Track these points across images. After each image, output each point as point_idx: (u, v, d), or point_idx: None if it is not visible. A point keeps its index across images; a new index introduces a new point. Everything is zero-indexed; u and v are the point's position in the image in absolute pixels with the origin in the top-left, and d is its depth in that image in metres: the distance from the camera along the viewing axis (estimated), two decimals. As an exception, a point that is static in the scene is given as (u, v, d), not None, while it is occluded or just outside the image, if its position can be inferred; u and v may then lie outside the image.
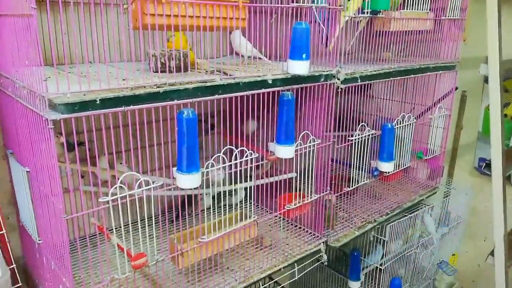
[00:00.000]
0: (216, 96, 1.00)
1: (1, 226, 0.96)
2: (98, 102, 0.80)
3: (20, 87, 0.88)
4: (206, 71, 1.11)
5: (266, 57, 1.27)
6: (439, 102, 1.84)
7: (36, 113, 0.82)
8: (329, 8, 1.20)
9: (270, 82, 1.09)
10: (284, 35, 1.23)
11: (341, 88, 1.30)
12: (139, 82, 0.89)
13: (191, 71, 1.10)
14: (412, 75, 1.59)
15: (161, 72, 1.03)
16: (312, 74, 1.19)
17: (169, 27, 0.91)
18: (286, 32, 1.19)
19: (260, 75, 1.09)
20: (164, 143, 0.95)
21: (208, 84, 0.97)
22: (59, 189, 0.80)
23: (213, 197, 1.10)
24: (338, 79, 1.29)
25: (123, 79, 0.94)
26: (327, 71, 1.24)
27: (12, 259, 1.01)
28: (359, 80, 1.35)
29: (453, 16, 1.65)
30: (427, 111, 1.88)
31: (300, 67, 1.10)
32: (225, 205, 1.42)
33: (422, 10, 1.52)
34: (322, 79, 1.24)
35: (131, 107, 0.85)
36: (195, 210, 1.36)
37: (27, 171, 0.96)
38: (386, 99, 1.86)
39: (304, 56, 1.09)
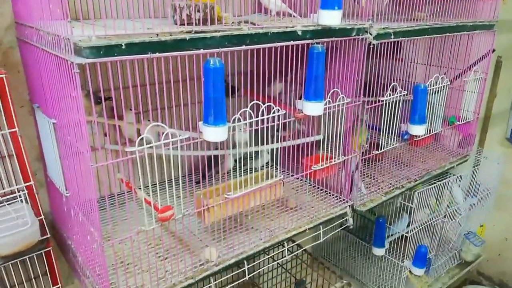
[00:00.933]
0: (244, 47, 0.95)
1: (29, 177, 0.96)
2: (123, 46, 0.77)
3: (45, 33, 0.85)
4: (233, 23, 1.06)
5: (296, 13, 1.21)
6: (474, 65, 1.74)
7: (61, 59, 0.80)
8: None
9: (299, 33, 1.04)
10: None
11: (373, 44, 1.23)
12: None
13: (217, 24, 1.06)
14: (448, 33, 1.49)
15: (186, 24, 1.00)
16: (344, 27, 1.13)
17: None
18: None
19: (290, 25, 1.03)
20: (191, 103, 0.92)
21: (235, 32, 0.93)
22: (86, 137, 0.79)
23: (237, 160, 1.07)
24: (371, 34, 1.22)
25: (148, 28, 0.91)
26: (359, 25, 1.18)
27: (41, 211, 1.01)
28: (392, 36, 1.28)
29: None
30: (461, 75, 1.78)
31: (331, 18, 1.05)
32: (250, 168, 1.40)
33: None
34: (354, 33, 1.18)
35: (157, 54, 0.82)
36: (220, 171, 1.34)
37: (53, 123, 0.95)
38: (417, 63, 1.78)
39: (336, 6, 1.03)
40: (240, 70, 1.44)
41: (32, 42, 0.96)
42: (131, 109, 1.14)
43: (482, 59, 1.75)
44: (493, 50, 1.75)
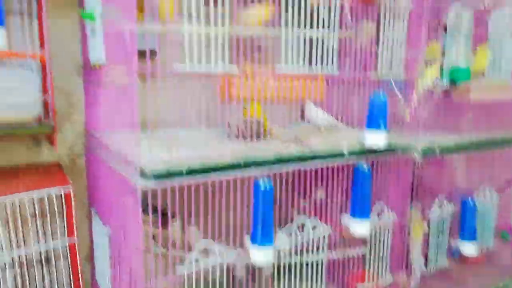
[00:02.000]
0: (292, 167, 1.00)
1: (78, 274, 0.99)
2: (184, 172, 0.83)
3: (113, 150, 0.94)
4: (282, 141, 1.12)
5: (343, 123, 1.27)
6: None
7: (125, 179, 0.87)
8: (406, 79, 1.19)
9: (346, 153, 1.08)
10: (361, 102, 1.23)
11: (419, 161, 1.25)
12: (221, 151, 0.93)
13: (267, 138, 1.13)
14: (497, 148, 1.49)
15: (239, 138, 1.08)
16: (389, 147, 1.16)
17: (252, 99, 0.95)
18: (364, 99, 1.19)
19: (337, 146, 1.08)
20: (233, 210, 0.95)
21: (284, 155, 0.98)
22: (141, 255, 0.82)
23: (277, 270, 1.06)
24: (417, 150, 1.25)
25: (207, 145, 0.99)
26: (404, 144, 1.21)
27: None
28: (438, 153, 1.29)
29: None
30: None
31: (377, 139, 1.08)
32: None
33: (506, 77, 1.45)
34: (400, 151, 1.20)
35: (214, 177, 0.87)
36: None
37: (108, 231, 1.00)
38: (462, 167, 1.74)
39: (381, 127, 1.08)
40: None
41: (99, 153, 1.06)
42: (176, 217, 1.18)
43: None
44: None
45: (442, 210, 1.35)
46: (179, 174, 0.82)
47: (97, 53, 1.01)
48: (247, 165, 0.92)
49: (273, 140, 1.13)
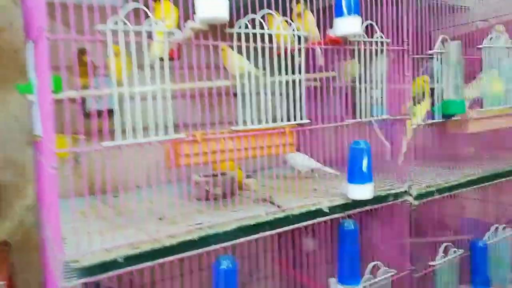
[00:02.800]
0: (261, 234, 0.85)
1: None
2: (122, 261, 0.69)
3: (46, 234, 0.81)
4: (254, 200, 0.98)
5: (328, 166, 1.13)
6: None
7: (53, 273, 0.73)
8: (394, 119, 1.05)
9: (326, 210, 0.93)
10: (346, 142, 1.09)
11: (415, 206, 1.09)
12: (175, 227, 0.78)
13: (238, 195, 1.00)
14: (503, 179, 1.33)
15: (205, 200, 0.94)
16: (378, 195, 1.01)
17: (207, 164, 0.82)
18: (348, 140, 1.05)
19: (315, 202, 0.93)
20: None
21: (252, 222, 0.84)
22: None
23: None
24: (411, 195, 1.09)
25: (160, 218, 0.85)
26: (396, 189, 1.06)
27: None
28: (436, 194, 1.14)
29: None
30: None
31: (362, 192, 0.94)
32: None
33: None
34: (391, 199, 1.05)
35: (162, 260, 0.73)
36: None
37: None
38: (469, 198, 1.59)
39: (365, 178, 0.93)
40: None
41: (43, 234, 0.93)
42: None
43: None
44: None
45: (449, 256, 1.19)
46: (114, 263, 0.68)
47: (38, 124, 0.90)
48: (204, 240, 0.78)
49: (246, 198, 0.99)
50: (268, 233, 0.86)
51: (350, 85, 1.00)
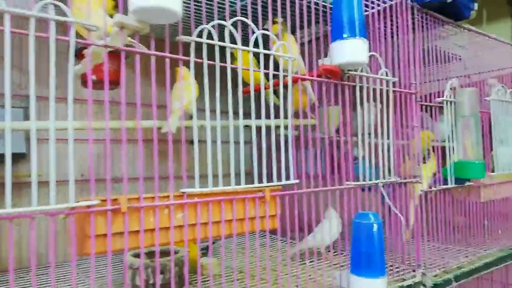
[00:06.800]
0: None
1: None
2: None
3: None
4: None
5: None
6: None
7: None
8: (400, 182, 0.79)
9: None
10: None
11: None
12: None
13: (190, 284, 0.66)
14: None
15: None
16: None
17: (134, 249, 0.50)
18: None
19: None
20: None
21: None
22: None
23: None
24: (424, 285, 0.81)
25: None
26: (408, 279, 0.77)
27: None
28: (454, 282, 0.87)
29: None
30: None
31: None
32: None
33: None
34: (403, 293, 0.76)
35: None
36: None
37: None
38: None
39: (377, 270, 0.64)
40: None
41: None
42: None
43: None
44: None
45: None
46: None
47: None
48: None
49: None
50: None
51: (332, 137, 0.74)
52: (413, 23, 0.84)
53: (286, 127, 0.62)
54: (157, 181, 0.49)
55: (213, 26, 0.53)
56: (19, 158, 0.88)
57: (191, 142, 0.53)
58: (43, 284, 0.73)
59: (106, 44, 0.46)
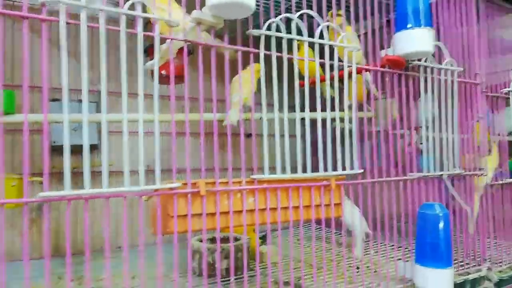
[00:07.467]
0: None
1: None
2: None
3: None
4: (273, 281, 0.67)
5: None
6: None
7: None
8: (465, 174, 0.77)
9: (386, 307, 0.62)
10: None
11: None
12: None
13: (250, 271, 0.69)
14: None
15: (208, 277, 0.65)
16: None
17: (211, 230, 0.53)
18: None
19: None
20: None
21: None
22: None
23: None
24: (490, 280, 0.79)
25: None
26: (473, 273, 0.75)
27: None
28: (522, 280, 0.83)
29: None
30: None
31: (437, 280, 0.63)
32: None
33: None
34: (468, 287, 0.74)
35: None
36: None
37: None
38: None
39: (443, 261, 0.63)
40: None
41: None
42: None
43: None
44: None
45: None
46: None
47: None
48: None
49: (261, 276, 0.69)
50: None
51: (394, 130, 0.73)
52: (478, 12, 0.82)
53: (350, 120, 0.63)
54: (231, 169, 0.52)
55: (280, 19, 0.56)
56: (92, 149, 0.95)
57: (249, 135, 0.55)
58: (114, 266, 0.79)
59: (186, 39, 0.50)
